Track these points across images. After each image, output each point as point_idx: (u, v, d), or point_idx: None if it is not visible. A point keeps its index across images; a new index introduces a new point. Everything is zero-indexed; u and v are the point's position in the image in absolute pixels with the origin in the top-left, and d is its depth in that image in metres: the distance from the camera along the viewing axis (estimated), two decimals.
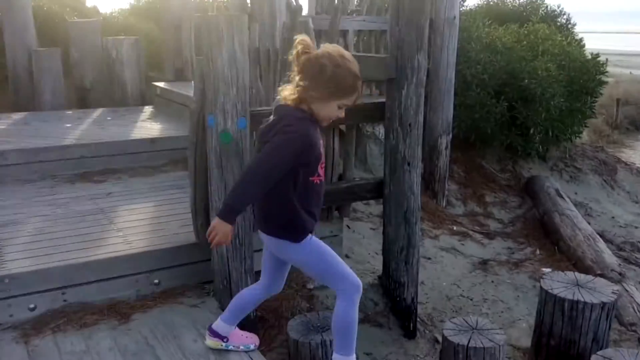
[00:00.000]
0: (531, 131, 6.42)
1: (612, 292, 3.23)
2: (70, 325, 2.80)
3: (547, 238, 5.56)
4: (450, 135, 5.92)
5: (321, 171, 2.27)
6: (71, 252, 3.11)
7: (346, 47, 5.50)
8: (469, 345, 2.76)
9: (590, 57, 7.12)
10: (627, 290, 4.34)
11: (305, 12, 6.53)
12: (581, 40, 7.74)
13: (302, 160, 2.16)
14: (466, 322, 2.99)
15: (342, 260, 2.38)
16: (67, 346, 2.65)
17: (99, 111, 6.55)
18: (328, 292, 3.55)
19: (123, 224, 3.55)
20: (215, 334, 2.62)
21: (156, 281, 3.16)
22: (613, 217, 6.44)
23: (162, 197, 4.10)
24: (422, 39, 3.25)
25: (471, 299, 4.32)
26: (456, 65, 5.87)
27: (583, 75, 6.83)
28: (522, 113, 6.38)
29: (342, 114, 2.24)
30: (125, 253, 3.13)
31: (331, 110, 2.20)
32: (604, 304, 3.12)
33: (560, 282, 3.33)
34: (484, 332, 2.88)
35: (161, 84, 6.91)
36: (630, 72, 29.40)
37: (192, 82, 3.15)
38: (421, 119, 3.45)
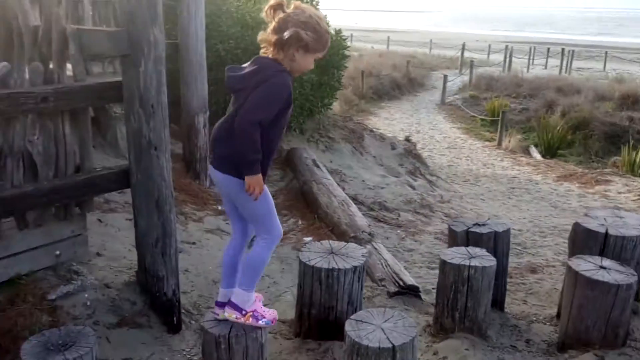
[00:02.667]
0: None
1: (362, 256, 3.44)
2: None
3: (307, 207, 5.80)
4: (208, 113, 5.75)
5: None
6: None
7: (80, 20, 4.90)
8: (230, 334, 2.66)
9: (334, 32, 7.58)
10: (376, 249, 4.74)
11: None
12: (325, 17, 8.17)
13: (281, 107, 2.41)
14: None
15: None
16: None
17: None
18: (75, 300, 3.13)
19: None
20: (223, 305, 2.70)
21: None
22: (363, 181, 7.05)
23: None
24: (156, 11, 2.96)
25: None
26: (207, 40, 5.68)
27: (329, 50, 7.24)
28: None
29: (312, 66, 2.60)
30: None
31: (308, 62, 2.52)
32: (355, 267, 3.30)
33: (316, 253, 3.44)
34: None
35: None
36: (372, 47, 32.91)
37: None
38: (165, 99, 3.18)
